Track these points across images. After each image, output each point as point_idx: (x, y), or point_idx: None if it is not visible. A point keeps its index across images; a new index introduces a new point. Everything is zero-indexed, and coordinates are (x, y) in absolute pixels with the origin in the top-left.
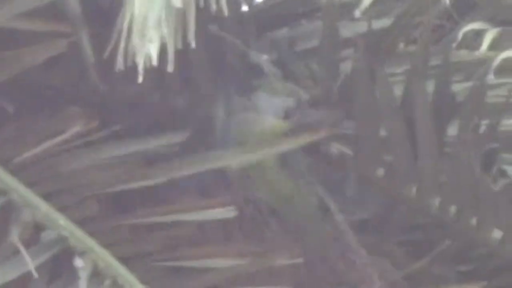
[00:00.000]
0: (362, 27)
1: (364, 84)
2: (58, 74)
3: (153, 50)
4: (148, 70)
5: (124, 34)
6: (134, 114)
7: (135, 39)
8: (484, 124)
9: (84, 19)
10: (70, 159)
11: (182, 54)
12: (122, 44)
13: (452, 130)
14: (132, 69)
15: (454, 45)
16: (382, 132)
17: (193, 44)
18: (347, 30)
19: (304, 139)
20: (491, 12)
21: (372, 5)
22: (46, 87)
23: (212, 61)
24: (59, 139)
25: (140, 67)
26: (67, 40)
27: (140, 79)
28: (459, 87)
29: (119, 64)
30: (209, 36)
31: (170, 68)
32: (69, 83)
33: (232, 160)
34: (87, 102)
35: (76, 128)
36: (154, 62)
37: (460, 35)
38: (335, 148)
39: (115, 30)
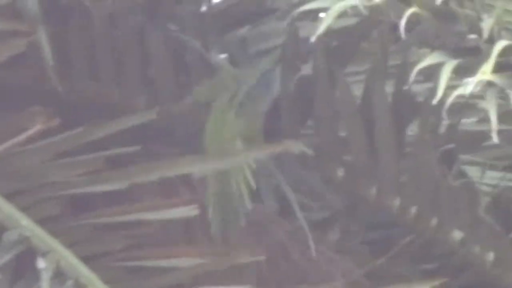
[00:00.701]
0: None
1: (323, 84)
2: (18, 73)
3: None
4: (108, 68)
5: None
6: (93, 113)
7: None
8: (443, 125)
9: (42, 18)
10: (32, 159)
11: (142, 53)
12: None
13: (412, 130)
14: (91, 66)
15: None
16: (342, 133)
17: None
18: (307, 30)
19: (270, 148)
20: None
21: None
22: (6, 86)
23: (171, 60)
24: (20, 138)
25: None
26: (26, 39)
27: None
28: (420, 88)
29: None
30: (168, 35)
31: None
32: (29, 81)
33: (195, 166)
34: (48, 101)
35: (36, 127)
36: None
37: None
38: (297, 148)
39: None
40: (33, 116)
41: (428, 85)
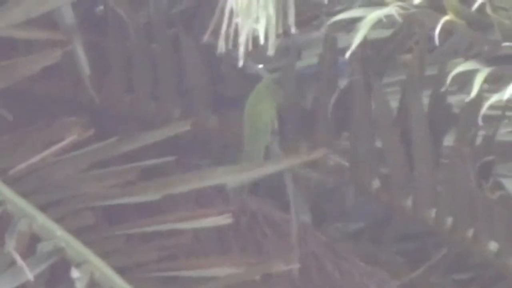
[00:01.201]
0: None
1: (360, 96)
2: (54, 84)
3: (261, 29)
4: (144, 79)
5: (226, 15)
6: (128, 124)
7: (240, 19)
8: (480, 135)
9: (78, 28)
10: (66, 169)
11: (177, 64)
12: (224, 27)
13: (448, 141)
14: (127, 77)
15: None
16: (378, 144)
17: (293, 30)
18: (344, 41)
19: (299, 158)
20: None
21: None
22: (42, 96)
23: (207, 71)
24: (55, 149)
25: (242, 49)
26: (62, 50)
27: (241, 63)
28: (455, 98)
29: (221, 47)
30: (203, 47)
31: (271, 52)
32: (64, 92)
33: (229, 177)
34: (82, 111)
35: (72, 138)
36: (261, 41)
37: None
38: (332, 159)
39: (216, 13)
40: (68, 127)
41: (463, 96)
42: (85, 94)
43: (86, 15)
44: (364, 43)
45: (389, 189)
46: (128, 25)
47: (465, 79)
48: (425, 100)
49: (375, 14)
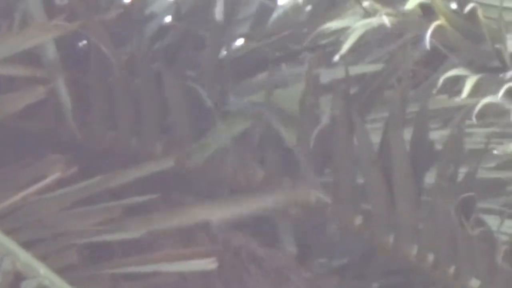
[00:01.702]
0: (340, 73)
1: (342, 131)
2: (36, 121)
3: None
4: (126, 115)
5: None
6: (112, 160)
7: None
8: (462, 172)
9: (61, 65)
10: (50, 207)
11: (160, 100)
12: None
13: (430, 178)
14: (109, 113)
15: (432, 91)
16: (360, 180)
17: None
18: (325, 76)
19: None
20: (469, 58)
21: (350, 51)
22: (25, 133)
23: (189, 107)
24: (38, 186)
25: None
26: (45, 87)
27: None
28: (437, 135)
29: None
30: (187, 82)
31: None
32: (47, 129)
33: (214, 214)
34: (66, 148)
35: (55, 175)
36: None
37: (439, 81)
38: (314, 196)
39: None
40: (52, 164)
41: (446, 131)
42: (68, 130)
43: (68, 51)
44: (347, 79)
45: (371, 225)
46: (111, 61)
47: (449, 115)
48: (407, 136)
49: (363, 23)
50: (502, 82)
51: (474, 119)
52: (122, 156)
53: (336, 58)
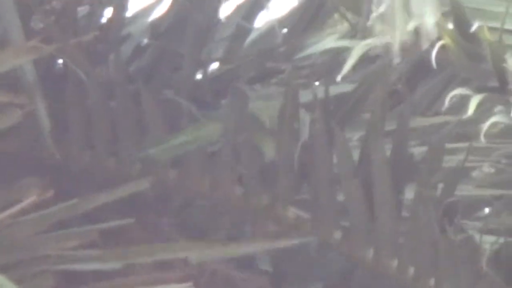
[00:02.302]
0: (320, 92)
1: (321, 147)
2: (13, 143)
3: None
4: (104, 136)
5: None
6: (89, 182)
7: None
8: (440, 189)
9: (39, 88)
10: (25, 230)
11: (138, 121)
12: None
13: (410, 192)
14: (87, 134)
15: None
16: (340, 196)
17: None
18: (305, 96)
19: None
20: (470, 77)
21: (327, 71)
22: (1, 156)
23: (167, 127)
24: (14, 210)
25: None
26: (23, 110)
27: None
28: (417, 151)
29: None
30: (164, 101)
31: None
32: (24, 151)
33: (193, 252)
34: (42, 171)
35: (31, 199)
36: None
37: (417, 100)
38: (292, 212)
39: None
40: (28, 188)
41: (424, 148)
42: (45, 151)
43: (45, 72)
44: (326, 97)
45: (350, 240)
46: (88, 82)
47: (428, 134)
48: (387, 152)
49: (364, 43)
50: (506, 101)
51: (482, 138)
52: (99, 176)
53: (339, 78)
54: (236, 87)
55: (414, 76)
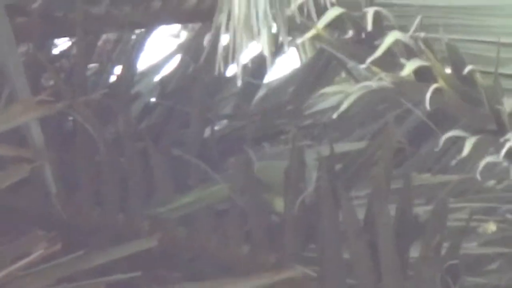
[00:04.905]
0: (325, 150)
1: (327, 206)
2: (21, 197)
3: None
4: (112, 193)
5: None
6: (97, 237)
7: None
8: (445, 247)
9: (46, 144)
10: (34, 284)
11: (146, 177)
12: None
13: (415, 252)
14: (95, 191)
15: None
16: (346, 255)
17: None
18: (310, 154)
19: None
20: (467, 121)
21: (334, 128)
22: (9, 209)
23: (175, 184)
24: (22, 263)
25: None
26: (30, 166)
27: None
28: (421, 210)
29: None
30: (173, 160)
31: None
32: (32, 205)
33: None
34: (50, 225)
35: (39, 252)
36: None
37: (422, 158)
38: (299, 270)
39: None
40: (36, 241)
41: (429, 207)
42: (53, 207)
43: (54, 130)
44: (331, 155)
45: None
46: (97, 140)
47: (432, 193)
48: (392, 212)
49: (359, 87)
50: (500, 144)
51: (478, 176)
52: (108, 232)
53: (334, 115)
54: (242, 148)
55: (419, 134)
